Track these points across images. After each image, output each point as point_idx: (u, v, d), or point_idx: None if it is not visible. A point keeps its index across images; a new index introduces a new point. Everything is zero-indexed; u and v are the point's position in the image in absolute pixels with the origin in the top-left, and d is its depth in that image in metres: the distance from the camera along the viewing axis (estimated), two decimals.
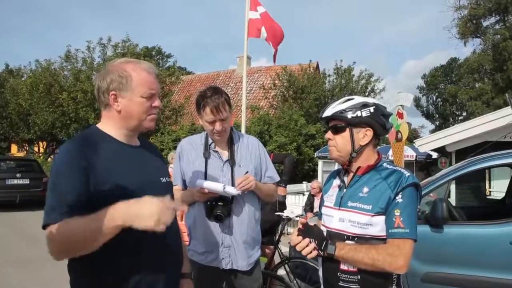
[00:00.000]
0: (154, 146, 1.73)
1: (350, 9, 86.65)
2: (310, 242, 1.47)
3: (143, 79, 1.44)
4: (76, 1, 74.88)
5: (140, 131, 1.55)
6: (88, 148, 1.36)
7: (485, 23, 25.66)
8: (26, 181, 11.59)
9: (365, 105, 1.58)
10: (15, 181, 11.39)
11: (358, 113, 1.56)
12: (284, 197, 4.61)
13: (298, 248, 1.50)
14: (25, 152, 23.96)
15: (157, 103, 1.49)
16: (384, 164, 1.61)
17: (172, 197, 1.64)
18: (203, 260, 2.22)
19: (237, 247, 2.20)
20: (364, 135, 1.59)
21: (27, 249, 6.90)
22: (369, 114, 1.57)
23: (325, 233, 1.58)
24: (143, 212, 1.19)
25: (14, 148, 26.69)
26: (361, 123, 1.58)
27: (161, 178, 1.55)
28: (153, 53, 32.19)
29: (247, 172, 2.19)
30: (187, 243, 2.33)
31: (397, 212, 1.47)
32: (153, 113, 1.50)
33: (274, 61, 6.41)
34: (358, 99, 1.61)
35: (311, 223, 1.55)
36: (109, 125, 1.48)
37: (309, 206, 8.12)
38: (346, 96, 1.74)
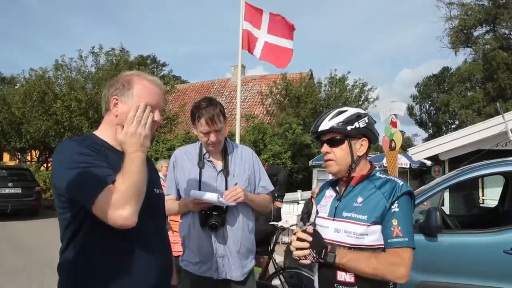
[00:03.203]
0: (147, 157, 1.73)
1: (346, 18, 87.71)
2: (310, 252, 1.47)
3: (144, 89, 1.46)
4: (72, 10, 75.01)
5: None
6: (89, 149, 1.36)
7: (475, 33, 26.14)
8: (18, 190, 11.47)
9: (359, 116, 1.61)
10: (7, 190, 11.27)
11: (356, 124, 1.59)
12: (279, 211, 4.63)
13: (296, 254, 1.49)
14: (18, 160, 23.73)
15: (155, 117, 1.46)
16: (377, 174, 1.63)
17: (164, 208, 1.64)
18: (197, 271, 2.20)
19: (231, 257, 2.19)
20: (360, 146, 1.61)
21: (18, 259, 6.80)
22: (365, 124, 1.60)
23: None
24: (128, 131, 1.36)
25: (6, 157, 26.43)
26: (358, 134, 1.60)
27: (155, 189, 1.55)
28: (148, 61, 32.27)
29: (236, 183, 2.20)
30: (180, 253, 2.31)
31: (394, 222, 1.48)
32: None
33: (284, 67, 6.18)
34: (351, 111, 1.63)
35: (309, 228, 1.54)
36: (106, 132, 1.49)
37: (306, 214, 8.06)
38: (340, 105, 1.76)
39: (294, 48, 6.02)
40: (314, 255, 1.46)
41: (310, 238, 1.48)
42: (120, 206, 1.21)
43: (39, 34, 74.15)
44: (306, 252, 1.47)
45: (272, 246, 4.29)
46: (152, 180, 1.57)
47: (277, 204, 4.51)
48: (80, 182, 1.25)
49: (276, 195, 4.49)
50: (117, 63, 15.57)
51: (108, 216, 1.21)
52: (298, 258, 1.51)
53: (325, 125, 1.61)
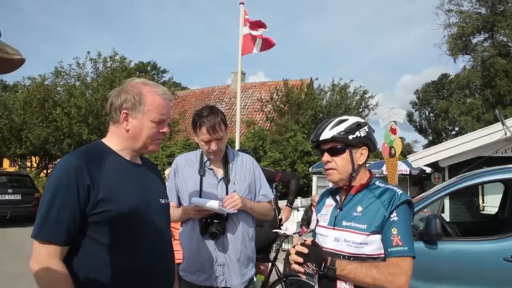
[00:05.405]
0: (154, 166, 1.74)
1: (347, 24, 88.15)
2: (309, 265, 1.46)
3: (156, 104, 1.46)
4: (72, 17, 75.35)
5: (143, 153, 1.56)
6: (92, 164, 1.37)
7: (474, 40, 26.27)
8: (18, 197, 11.43)
9: (359, 125, 1.63)
10: (7, 197, 11.23)
11: (357, 133, 1.60)
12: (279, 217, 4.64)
13: (293, 268, 1.50)
14: (17, 167, 23.70)
15: (165, 129, 1.51)
16: (376, 183, 1.64)
17: (169, 217, 1.65)
18: (196, 280, 2.19)
19: (231, 265, 2.19)
20: (361, 154, 1.63)
21: (17, 265, 6.76)
22: (365, 133, 1.62)
23: None
24: None
25: (6, 163, 26.41)
26: (359, 143, 1.61)
27: (160, 199, 1.56)
28: (148, 68, 32.40)
29: (234, 191, 2.20)
30: (180, 261, 2.31)
31: (394, 231, 1.48)
32: (159, 138, 1.52)
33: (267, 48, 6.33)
34: (352, 120, 1.65)
35: (307, 240, 1.54)
36: (114, 141, 1.50)
37: (306, 221, 8.06)
38: (341, 112, 1.77)
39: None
40: (314, 268, 1.46)
41: (306, 251, 1.47)
42: (34, 267, 1.30)
43: (40, 40, 74.46)
44: (302, 269, 1.47)
45: (275, 253, 4.27)
46: (158, 190, 1.59)
47: (286, 210, 4.58)
48: (40, 215, 1.31)
49: (288, 199, 4.69)
50: (114, 68, 15.60)
51: (30, 260, 1.31)
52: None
53: (327, 134, 1.61)
